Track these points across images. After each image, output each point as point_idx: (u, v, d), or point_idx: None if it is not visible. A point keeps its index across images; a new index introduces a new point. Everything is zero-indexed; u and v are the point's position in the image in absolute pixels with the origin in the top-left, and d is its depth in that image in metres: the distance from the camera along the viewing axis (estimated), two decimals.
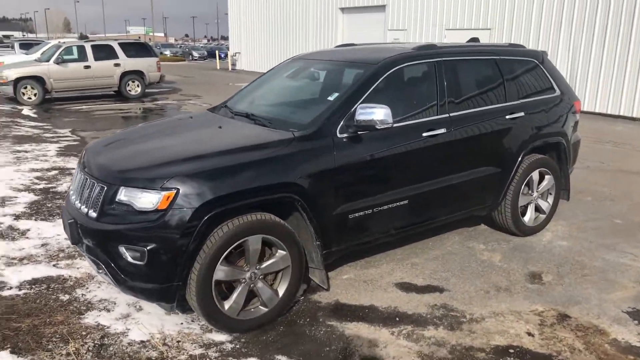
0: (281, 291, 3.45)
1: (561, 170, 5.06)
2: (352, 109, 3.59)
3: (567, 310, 3.63)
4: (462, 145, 4.17)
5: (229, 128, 3.82)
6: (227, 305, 3.22)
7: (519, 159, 4.57)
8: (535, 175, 4.77)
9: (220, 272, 3.14)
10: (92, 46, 15.91)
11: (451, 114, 4.12)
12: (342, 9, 21.66)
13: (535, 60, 4.89)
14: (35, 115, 12.81)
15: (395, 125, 3.77)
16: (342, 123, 3.58)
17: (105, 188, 3.13)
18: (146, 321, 3.32)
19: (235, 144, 3.39)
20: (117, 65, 16.03)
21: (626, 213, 5.67)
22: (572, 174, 7.01)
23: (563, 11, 13.79)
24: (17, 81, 14.60)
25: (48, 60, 15.27)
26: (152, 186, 3.01)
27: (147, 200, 3.00)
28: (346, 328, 3.40)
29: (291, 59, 4.91)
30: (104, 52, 15.94)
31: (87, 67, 15.47)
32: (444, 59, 4.18)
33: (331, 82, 4.29)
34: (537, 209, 4.99)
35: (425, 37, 17.63)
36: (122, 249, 3.04)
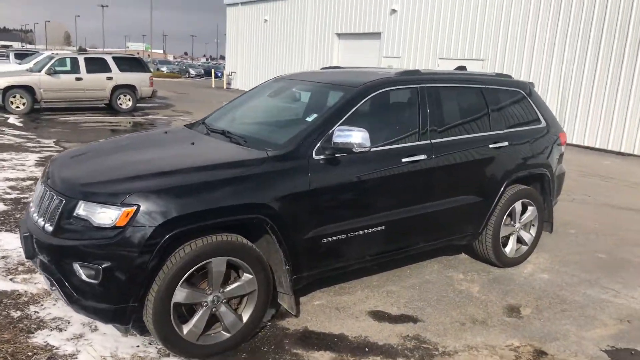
0: (245, 316, 3.29)
1: (545, 201, 4.97)
2: (330, 131, 3.50)
3: (544, 347, 3.49)
4: (442, 173, 4.08)
5: (201, 145, 3.71)
6: (185, 329, 3.06)
7: (502, 189, 4.47)
8: (518, 206, 4.67)
9: (180, 295, 2.98)
10: (85, 59, 15.86)
11: (433, 141, 4.03)
12: (339, 35, 21.85)
13: (522, 91, 4.84)
14: (20, 125, 12.65)
15: (374, 149, 3.68)
16: (318, 144, 3.47)
17: (64, 201, 2.99)
18: (99, 343, 3.15)
19: (204, 161, 3.27)
20: (109, 78, 15.96)
21: (611, 248, 5.57)
22: (557, 206, 6.93)
23: (555, 45, 13.95)
24: (5, 90, 14.46)
25: (40, 71, 15.18)
26: (111, 201, 2.87)
27: (105, 216, 2.86)
28: (312, 357, 3.23)
29: (274, 79, 4.83)
30: (97, 65, 15.89)
31: (78, 79, 15.39)
32: (427, 85, 4.11)
33: (312, 103, 4.21)
34: (519, 240, 4.88)
35: (419, 65, 17.74)
36: (76, 266, 2.88)
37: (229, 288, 3.19)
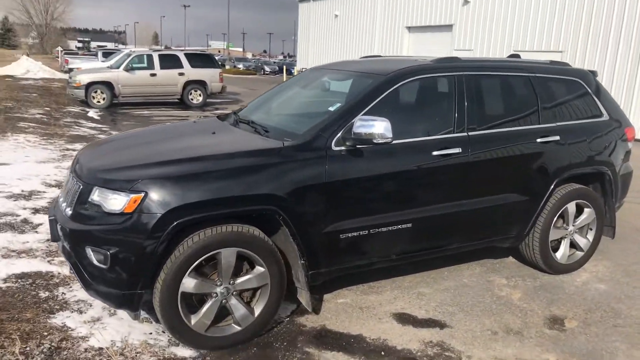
0: (257, 310, 3.20)
1: (605, 203, 4.48)
2: (352, 121, 3.32)
3: None
4: (480, 168, 3.77)
5: (222, 134, 3.66)
6: (194, 319, 3.02)
7: (551, 187, 4.07)
8: (571, 207, 4.24)
9: (188, 284, 2.94)
10: (160, 55, 16.59)
11: (470, 134, 3.73)
12: (409, 28, 21.33)
13: (581, 81, 4.37)
14: (98, 118, 13.44)
15: (401, 141, 3.47)
16: (339, 135, 3.31)
17: (82, 187, 3.05)
18: (113, 327, 3.19)
19: (218, 150, 3.21)
20: (181, 74, 16.59)
21: None
22: (630, 209, 6.31)
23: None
24: (88, 85, 15.43)
25: (118, 67, 16.08)
26: (121, 188, 2.88)
27: (115, 202, 2.88)
28: (322, 357, 3.09)
29: (312, 69, 4.70)
30: (170, 61, 16.58)
31: (153, 74, 16.13)
32: (465, 73, 3.81)
33: (338, 92, 4.03)
34: (573, 245, 4.43)
35: None
36: (88, 251, 2.92)
37: (239, 280, 3.12)
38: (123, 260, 2.85)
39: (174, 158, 3.08)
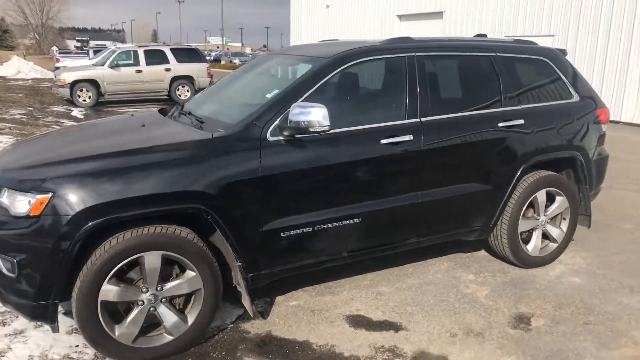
0: (191, 318, 2.96)
1: (579, 191, 4.21)
2: (289, 109, 3.05)
3: None
4: (435, 157, 3.50)
5: (152, 128, 3.40)
6: (118, 330, 2.78)
7: (516, 175, 3.79)
8: (541, 195, 3.96)
9: (108, 292, 2.70)
10: (145, 51, 16.31)
11: (423, 119, 3.46)
12: (400, 16, 20.94)
13: (548, 61, 4.08)
14: (81, 117, 13.19)
15: (345, 129, 3.21)
16: (275, 124, 3.05)
17: None
18: (35, 341, 2.95)
19: (138, 144, 2.95)
20: (167, 70, 16.32)
21: None
22: (613, 196, 6.02)
23: (635, 19, 12.36)
24: (73, 84, 15.18)
25: (103, 65, 15.82)
26: (27, 188, 2.63)
27: (22, 204, 2.63)
28: None
29: (265, 54, 4.43)
30: (155, 57, 16.31)
31: (138, 71, 15.87)
32: (418, 54, 3.53)
33: (282, 79, 3.77)
34: (546, 237, 4.16)
35: None
36: None
37: (168, 286, 2.87)
38: (31, 268, 2.60)
39: (87, 154, 2.82)
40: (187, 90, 16.70)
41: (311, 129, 2.95)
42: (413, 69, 3.48)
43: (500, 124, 3.71)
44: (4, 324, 3.13)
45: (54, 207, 2.57)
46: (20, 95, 16.88)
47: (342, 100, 3.45)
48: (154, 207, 2.72)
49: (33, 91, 18.56)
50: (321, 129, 2.96)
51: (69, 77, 15.29)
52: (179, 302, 2.99)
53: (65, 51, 38.85)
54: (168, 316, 2.89)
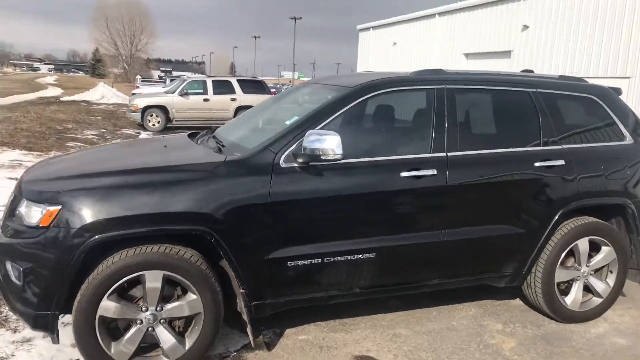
0: (189, 342, 2.90)
1: (631, 242, 3.82)
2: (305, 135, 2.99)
3: None
4: (461, 194, 3.30)
5: (174, 150, 3.45)
6: (114, 347, 2.77)
7: (554, 220, 3.50)
8: (582, 244, 3.63)
9: (107, 307, 2.71)
10: (213, 81, 17.08)
11: (449, 154, 3.29)
12: (467, 55, 20.66)
13: (596, 99, 3.79)
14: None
15: (363, 159, 3.12)
16: (289, 150, 3.00)
17: (13, 198, 2.92)
18: (39, 350, 3.00)
19: (151, 163, 2.99)
20: (233, 99, 16.94)
21: None
22: None
23: None
24: (144, 109, 16.08)
25: (174, 92, 16.68)
26: (40, 199, 2.72)
27: (34, 214, 2.72)
28: None
29: (302, 83, 4.45)
30: (223, 87, 17.02)
31: (206, 99, 16.59)
32: (448, 86, 3.38)
33: (307, 106, 3.73)
34: (589, 290, 3.79)
35: None
36: (8, 266, 2.77)
37: (167, 307, 2.84)
38: (35, 278, 2.66)
39: (101, 171, 2.89)
40: None
41: (323, 157, 2.87)
42: (442, 101, 3.34)
43: (537, 164, 3.45)
44: (15, 331, 3.21)
45: (62, 219, 2.63)
46: (98, 117, 18.07)
47: (364, 130, 3.36)
48: (158, 225, 2.73)
49: (110, 114, 19.83)
50: (334, 157, 2.87)
51: (141, 102, 16.23)
52: (179, 325, 2.95)
53: (147, 80, 41.55)
54: (166, 338, 2.85)
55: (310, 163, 2.99)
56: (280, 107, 4.10)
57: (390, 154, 3.22)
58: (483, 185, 3.34)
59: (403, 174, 3.15)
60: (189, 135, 3.94)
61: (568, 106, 3.71)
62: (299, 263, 3.01)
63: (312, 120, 3.10)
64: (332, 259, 3.07)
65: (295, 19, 47.64)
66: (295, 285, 3.07)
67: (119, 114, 20.36)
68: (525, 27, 16.98)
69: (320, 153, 2.86)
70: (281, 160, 2.97)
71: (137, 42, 79.51)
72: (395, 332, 3.54)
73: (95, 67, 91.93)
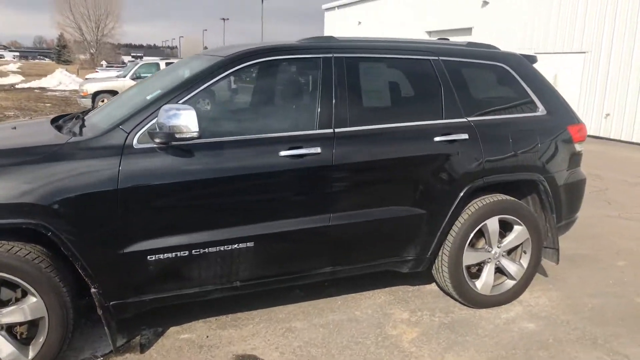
0: (33, 351, 2.56)
1: (547, 220, 3.58)
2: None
3: None
4: (350, 174, 3.00)
5: (19, 131, 3.06)
6: None
7: (458, 198, 3.22)
8: (492, 223, 3.37)
9: None
10: (167, 63, 16.47)
11: (337, 130, 2.97)
12: (429, 33, 20.36)
13: (506, 67, 3.51)
14: None
15: (234, 138, 2.77)
16: (144, 129, 2.64)
17: None
18: None
19: None
20: None
21: None
22: (612, 226, 5.31)
23: None
24: (95, 94, 15.44)
25: (125, 76, 16.06)
26: None
27: None
28: None
29: (192, 55, 4.04)
30: None
31: None
32: (336, 55, 3.05)
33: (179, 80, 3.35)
34: (501, 272, 3.55)
35: None
36: None
37: (3, 312, 2.48)
38: None
39: None
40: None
41: (178, 135, 2.52)
42: (329, 72, 3.00)
43: (437, 139, 3.16)
44: None
45: None
46: (47, 104, 17.34)
47: (237, 104, 3.02)
48: None
49: (62, 101, 19.06)
50: (189, 135, 2.53)
51: (91, 88, 15.59)
52: (21, 332, 2.59)
53: (111, 65, 40.35)
54: (4, 347, 2.50)
55: (173, 143, 2.64)
56: (157, 83, 3.71)
57: (268, 131, 2.88)
58: (375, 163, 3.04)
59: (282, 153, 2.82)
60: (58, 117, 3.51)
61: (475, 75, 3.42)
62: (161, 257, 2.67)
63: (174, 94, 2.74)
64: (201, 250, 2.74)
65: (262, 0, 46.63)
66: (160, 281, 2.74)
67: (72, 100, 19.57)
68: (485, 2, 16.74)
69: (174, 130, 2.51)
70: (135, 141, 2.62)
71: (102, 27, 77.15)
72: (290, 326, 3.25)
73: (60, 54, 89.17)
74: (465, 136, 3.22)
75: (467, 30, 17.87)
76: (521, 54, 3.69)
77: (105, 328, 2.64)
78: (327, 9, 29.28)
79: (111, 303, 2.66)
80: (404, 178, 3.13)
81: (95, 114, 3.31)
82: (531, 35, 15.19)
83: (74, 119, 3.20)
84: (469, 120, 3.28)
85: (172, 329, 3.18)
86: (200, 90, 2.77)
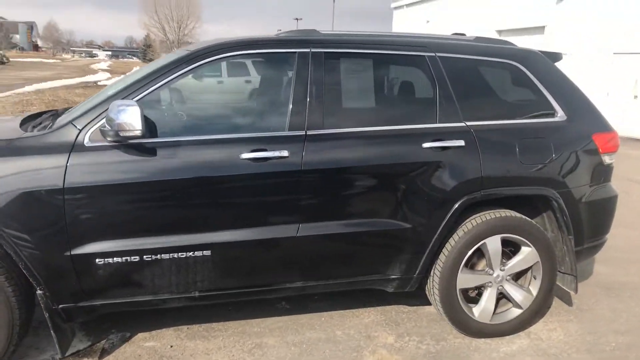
0: None
1: (563, 241, 3.11)
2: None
3: None
4: (322, 181, 2.72)
5: None
6: None
7: (450, 213, 2.85)
8: (492, 243, 2.96)
9: None
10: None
11: (309, 132, 2.70)
12: (499, 32, 19.31)
13: (518, 65, 3.08)
14: None
15: (194, 137, 2.60)
16: (97, 126, 2.52)
17: None
18: None
19: None
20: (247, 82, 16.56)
21: None
22: None
23: None
24: None
25: None
26: None
27: None
28: None
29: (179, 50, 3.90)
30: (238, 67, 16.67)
31: (220, 82, 16.29)
32: (315, 49, 2.78)
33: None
34: (507, 299, 3.13)
35: (591, 63, 14.56)
36: None
37: None
38: None
39: None
40: None
41: (122, 133, 2.38)
42: (304, 68, 2.74)
43: (426, 145, 2.81)
44: None
45: None
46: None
47: (201, 102, 2.84)
48: None
49: None
50: (132, 134, 2.37)
51: None
52: None
53: None
54: None
55: (130, 141, 2.50)
56: (134, 77, 3.58)
57: (232, 132, 2.68)
58: (352, 170, 2.74)
59: (244, 156, 2.60)
60: (37, 114, 3.46)
61: (480, 75, 3.02)
62: (110, 261, 2.54)
63: (131, 90, 2.60)
64: (153, 256, 2.58)
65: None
66: (111, 287, 2.61)
67: None
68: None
69: (118, 128, 2.36)
70: (86, 138, 2.50)
71: (184, 27, 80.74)
72: (260, 342, 3.03)
73: (145, 53, 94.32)
74: (461, 143, 2.84)
75: (540, 29, 16.77)
76: (541, 51, 3.23)
77: (52, 332, 2.55)
78: (396, 8, 28.69)
79: (60, 306, 2.57)
80: (386, 188, 2.80)
81: (71, 110, 3.25)
82: (610, 34, 13.95)
83: (51, 116, 3.15)
84: (467, 125, 2.90)
85: (140, 335, 3.06)
86: (159, 87, 2.61)
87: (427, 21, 24.80)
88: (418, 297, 3.46)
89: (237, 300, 2.97)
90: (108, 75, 37.41)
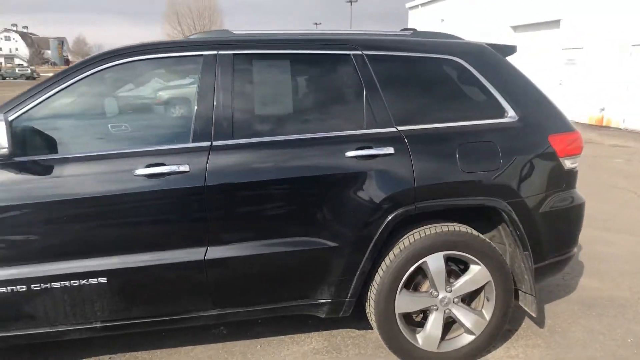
0: None
1: (521, 258, 2.75)
2: None
3: None
4: (231, 198, 2.44)
5: None
6: None
7: (380, 228, 2.53)
8: (433, 262, 2.62)
9: None
10: None
11: (215, 143, 2.43)
12: (514, 28, 18.69)
13: (460, 60, 2.73)
14: None
15: (85, 154, 2.36)
16: None
17: None
18: None
19: None
20: None
21: None
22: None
23: None
24: None
25: None
26: None
27: None
28: None
29: None
30: None
31: None
32: (222, 52, 2.51)
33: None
34: (456, 322, 2.78)
35: (606, 57, 13.89)
36: None
37: None
38: None
39: None
40: None
41: None
42: (210, 73, 2.48)
43: (349, 154, 2.50)
44: None
45: None
46: None
47: (91, 115, 2.60)
48: None
49: None
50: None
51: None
52: None
53: None
54: None
55: (14, 159, 2.28)
56: None
57: (126, 147, 2.43)
58: (264, 185, 2.45)
59: (137, 172, 2.35)
60: None
61: (415, 73, 2.69)
62: None
63: (12, 104, 2.37)
64: (42, 285, 2.35)
65: (351, 2, 46.24)
66: (0, 319, 2.39)
67: None
68: None
69: None
70: None
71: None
72: None
73: None
74: (389, 150, 2.52)
75: (555, 23, 16.13)
76: (488, 44, 2.88)
77: None
78: (411, 8, 28.27)
79: None
80: (306, 203, 2.50)
81: None
82: (628, 26, 13.26)
83: None
84: (399, 130, 2.57)
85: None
86: (46, 99, 2.38)
87: (442, 20, 24.31)
88: (366, 321, 3.14)
89: (149, 330, 2.70)
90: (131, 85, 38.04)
